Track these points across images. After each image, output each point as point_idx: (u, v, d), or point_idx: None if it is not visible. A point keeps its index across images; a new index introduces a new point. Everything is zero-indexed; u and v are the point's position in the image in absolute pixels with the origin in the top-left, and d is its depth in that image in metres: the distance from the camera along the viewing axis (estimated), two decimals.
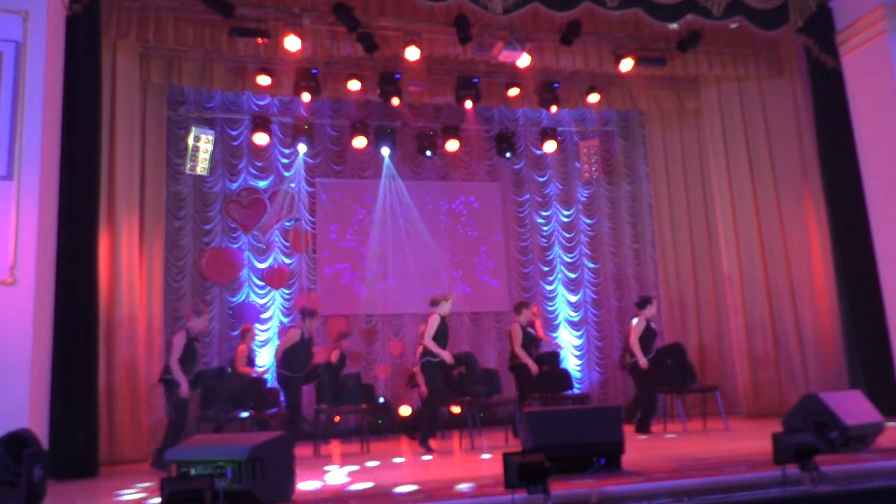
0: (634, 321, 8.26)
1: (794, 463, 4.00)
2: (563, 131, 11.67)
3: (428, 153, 10.91)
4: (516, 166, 11.56)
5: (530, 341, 8.17)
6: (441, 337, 7.33)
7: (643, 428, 7.93)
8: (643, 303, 8.40)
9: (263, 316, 10.21)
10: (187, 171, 9.60)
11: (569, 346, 11.18)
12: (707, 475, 4.18)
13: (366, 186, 10.96)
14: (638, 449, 6.08)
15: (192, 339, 7.16)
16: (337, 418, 7.82)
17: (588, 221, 11.69)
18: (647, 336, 8.13)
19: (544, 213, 11.62)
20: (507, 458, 3.80)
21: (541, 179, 11.67)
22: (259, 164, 10.54)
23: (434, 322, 7.33)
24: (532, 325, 8.53)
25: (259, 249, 10.35)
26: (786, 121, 9.79)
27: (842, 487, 3.94)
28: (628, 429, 6.70)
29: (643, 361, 7.92)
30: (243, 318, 10.02)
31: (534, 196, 11.61)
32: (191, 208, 10.05)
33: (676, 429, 8.12)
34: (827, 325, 9.25)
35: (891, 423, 5.72)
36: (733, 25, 8.55)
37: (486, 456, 6.49)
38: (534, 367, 7.96)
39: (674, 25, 8.45)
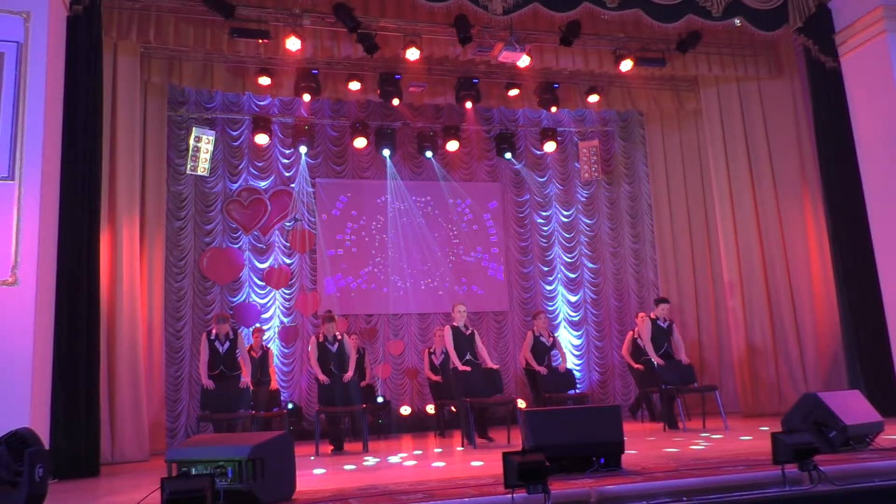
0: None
1: (794, 463, 4.01)
2: (563, 131, 11.69)
3: (428, 153, 10.93)
4: (516, 166, 11.58)
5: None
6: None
7: None
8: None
9: (264, 316, 10.23)
10: (188, 172, 9.62)
11: (569, 346, 11.19)
12: (707, 475, 4.19)
13: (366, 187, 10.98)
14: (638, 449, 6.10)
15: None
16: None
17: (588, 222, 11.71)
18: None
19: (544, 214, 11.63)
20: (507, 458, 3.80)
21: (541, 180, 11.69)
22: (259, 165, 10.55)
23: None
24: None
25: (259, 249, 10.37)
26: (785, 121, 9.80)
27: (841, 487, 3.95)
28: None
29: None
30: (244, 319, 10.05)
31: (534, 196, 11.63)
32: (191, 208, 10.06)
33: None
34: (826, 324, 9.26)
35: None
36: (737, 22, 8.53)
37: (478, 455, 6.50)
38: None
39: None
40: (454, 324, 7.93)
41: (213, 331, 7.93)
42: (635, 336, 9.52)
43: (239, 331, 8.29)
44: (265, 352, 9.13)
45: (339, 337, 8.03)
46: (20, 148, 6.13)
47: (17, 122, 6.16)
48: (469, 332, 7.94)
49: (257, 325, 9.84)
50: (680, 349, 8.39)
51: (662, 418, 8.42)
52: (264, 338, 9.66)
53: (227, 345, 7.87)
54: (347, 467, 6.10)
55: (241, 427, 7.61)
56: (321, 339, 7.93)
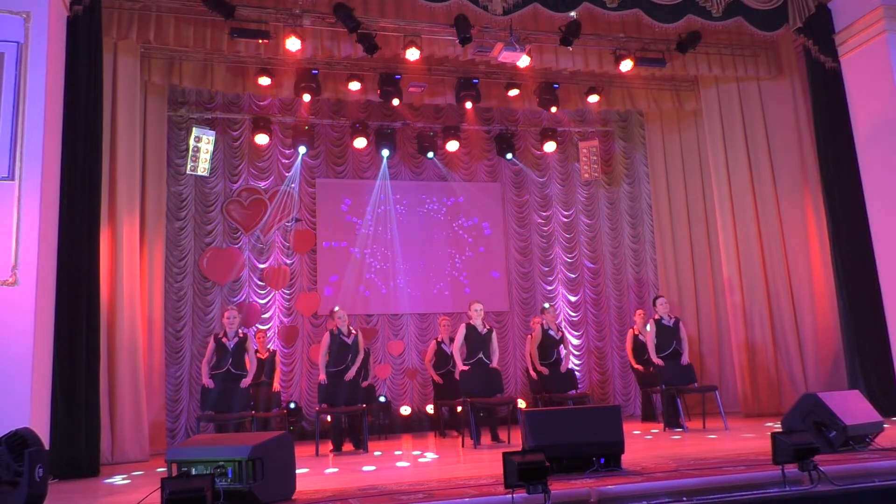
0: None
1: (794, 463, 4.02)
2: (563, 131, 11.69)
3: (429, 154, 10.92)
4: (516, 166, 11.58)
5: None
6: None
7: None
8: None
9: (264, 316, 10.23)
10: (188, 172, 9.62)
11: (568, 347, 11.18)
12: (707, 475, 4.19)
13: (366, 187, 10.97)
14: (638, 449, 6.10)
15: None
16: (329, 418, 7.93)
17: (588, 222, 11.71)
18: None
19: (544, 214, 11.64)
20: (507, 458, 3.80)
21: (541, 180, 11.69)
22: (260, 165, 10.55)
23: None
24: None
25: (259, 249, 10.37)
26: (785, 121, 9.80)
27: (841, 487, 3.96)
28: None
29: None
30: (243, 319, 10.04)
31: (534, 196, 11.63)
32: (191, 208, 10.06)
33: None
34: (826, 325, 9.26)
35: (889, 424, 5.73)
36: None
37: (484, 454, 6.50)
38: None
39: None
40: (471, 322, 7.86)
41: (222, 331, 7.88)
42: (636, 333, 9.54)
43: (248, 332, 8.31)
44: (273, 354, 9.13)
45: (354, 331, 7.96)
46: (20, 148, 6.13)
47: (17, 122, 6.16)
48: (485, 331, 7.85)
49: (258, 326, 9.84)
50: (684, 350, 8.34)
51: (662, 418, 8.43)
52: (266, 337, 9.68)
53: (234, 341, 7.72)
54: (347, 467, 6.11)
55: (241, 427, 7.61)
56: (335, 332, 7.84)
